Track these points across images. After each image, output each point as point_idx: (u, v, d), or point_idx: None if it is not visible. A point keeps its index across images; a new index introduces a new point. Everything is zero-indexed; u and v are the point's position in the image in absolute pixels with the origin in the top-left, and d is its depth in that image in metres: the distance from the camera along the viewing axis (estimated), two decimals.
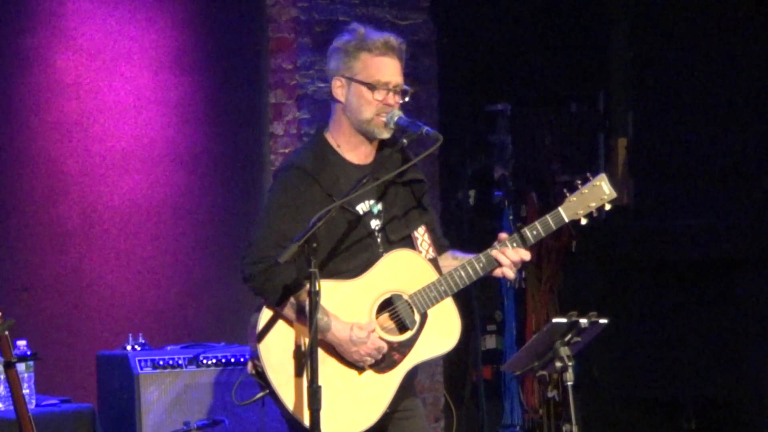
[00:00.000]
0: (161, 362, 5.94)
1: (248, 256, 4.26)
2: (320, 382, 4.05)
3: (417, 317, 4.30)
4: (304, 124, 7.14)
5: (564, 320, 4.52)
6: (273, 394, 4.24)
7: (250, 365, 4.32)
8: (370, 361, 4.24)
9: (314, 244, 4.02)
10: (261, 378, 4.27)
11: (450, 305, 4.35)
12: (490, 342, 8.13)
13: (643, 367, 8.29)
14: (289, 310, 4.23)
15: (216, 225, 6.94)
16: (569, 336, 4.53)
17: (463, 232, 7.92)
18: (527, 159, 8.27)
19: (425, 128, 4.29)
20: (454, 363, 7.82)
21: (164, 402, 5.92)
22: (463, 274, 4.33)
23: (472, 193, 8.08)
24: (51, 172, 6.46)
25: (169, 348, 6.16)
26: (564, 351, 4.52)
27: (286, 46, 7.25)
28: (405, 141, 4.30)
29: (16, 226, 6.37)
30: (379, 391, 4.27)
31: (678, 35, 8.24)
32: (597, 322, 4.56)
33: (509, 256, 4.34)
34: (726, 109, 8.03)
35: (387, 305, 4.32)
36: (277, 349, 4.24)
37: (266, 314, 4.26)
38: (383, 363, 4.27)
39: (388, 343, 4.27)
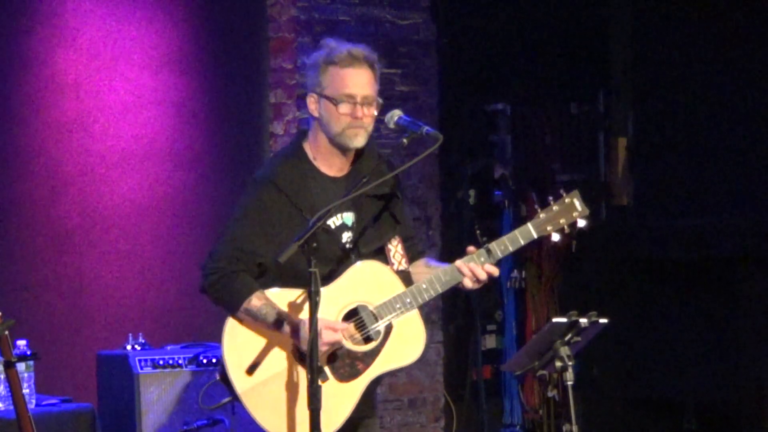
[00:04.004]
0: (161, 362, 5.94)
1: (205, 268, 4.34)
2: (282, 390, 4.16)
3: (382, 328, 4.32)
4: (304, 123, 7.14)
5: (564, 320, 4.53)
6: (237, 400, 4.28)
7: (220, 370, 4.37)
8: (331, 339, 4.20)
9: (314, 244, 4.04)
10: (226, 383, 4.31)
11: (416, 317, 4.36)
12: (490, 342, 8.13)
13: (644, 367, 8.29)
14: (244, 316, 4.28)
15: (216, 225, 6.93)
16: (569, 336, 4.54)
17: (463, 232, 7.92)
18: (527, 159, 8.27)
19: (425, 128, 4.30)
20: (454, 363, 7.82)
21: (164, 402, 5.93)
22: (428, 286, 4.34)
23: (472, 193, 8.09)
24: (51, 172, 6.46)
25: (169, 348, 6.16)
26: (564, 351, 4.53)
27: (286, 46, 7.25)
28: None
29: (16, 226, 6.37)
30: (341, 399, 4.29)
31: (678, 35, 8.25)
32: (597, 322, 4.57)
33: (472, 268, 4.33)
34: (726, 109, 8.03)
35: (352, 315, 4.34)
36: (241, 354, 4.28)
37: (230, 323, 4.32)
38: (347, 372, 4.29)
39: (352, 352, 4.29)
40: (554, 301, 8.16)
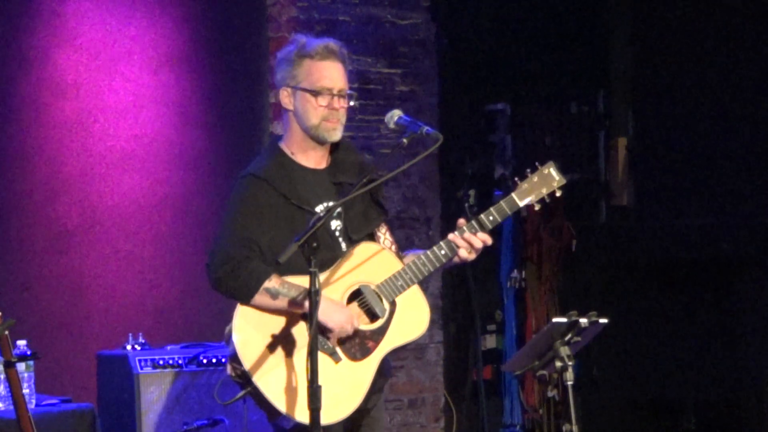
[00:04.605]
0: (161, 362, 5.94)
1: (213, 261, 4.38)
2: (298, 370, 4.22)
3: (386, 306, 4.41)
4: None
5: (564, 320, 4.54)
6: (255, 390, 4.30)
7: (229, 368, 4.39)
8: (346, 329, 4.29)
9: (314, 244, 4.08)
10: (242, 378, 4.33)
11: (417, 293, 4.46)
12: (490, 342, 8.13)
13: (644, 367, 8.29)
14: (263, 298, 4.29)
15: (216, 224, 6.92)
16: (569, 336, 4.54)
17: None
18: (527, 159, 8.26)
19: (425, 128, 4.36)
20: (454, 363, 7.82)
21: (164, 402, 5.93)
22: (426, 260, 4.44)
23: (472, 193, 8.09)
24: (51, 172, 6.46)
25: (169, 348, 6.16)
26: (564, 351, 4.54)
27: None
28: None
29: (16, 226, 6.36)
30: (357, 378, 4.36)
31: (678, 35, 8.25)
32: (597, 322, 4.57)
33: (467, 238, 4.44)
34: (726, 109, 8.03)
35: (355, 296, 4.42)
36: (255, 344, 4.30)
37: (239, 314, 4.34)
38: (358, 351, 4.36)
39: (361, 331, 4.37)
40: (554, 301, 8.16)
